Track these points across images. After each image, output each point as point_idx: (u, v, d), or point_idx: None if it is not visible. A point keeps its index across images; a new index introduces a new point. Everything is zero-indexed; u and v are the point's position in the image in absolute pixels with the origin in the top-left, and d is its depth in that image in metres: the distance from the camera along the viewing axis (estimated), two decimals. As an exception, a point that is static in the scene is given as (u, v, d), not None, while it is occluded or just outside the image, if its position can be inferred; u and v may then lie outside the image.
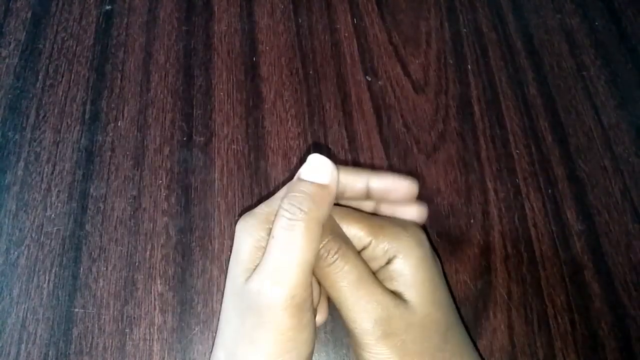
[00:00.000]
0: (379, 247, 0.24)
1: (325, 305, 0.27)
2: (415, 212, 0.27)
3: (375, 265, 0.24)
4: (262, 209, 0.24)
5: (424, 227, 0.27)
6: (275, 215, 0.22)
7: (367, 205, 0.27)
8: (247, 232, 0.23)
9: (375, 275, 0.24)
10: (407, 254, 0.23)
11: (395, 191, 0.26)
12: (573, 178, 0.35)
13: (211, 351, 0.24)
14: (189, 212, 0.33)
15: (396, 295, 0.23)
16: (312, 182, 0.22)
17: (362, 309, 0.22)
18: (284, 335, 0.21)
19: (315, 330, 0.23)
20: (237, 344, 0.22)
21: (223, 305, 0.24)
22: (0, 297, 0.31)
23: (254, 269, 0.22)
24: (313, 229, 0.21)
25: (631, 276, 0.32)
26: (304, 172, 0.23)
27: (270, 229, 0.22)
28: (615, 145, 0.36)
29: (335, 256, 0.23)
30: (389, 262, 0.24)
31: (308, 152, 0.35)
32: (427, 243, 0.25)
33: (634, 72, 0.38)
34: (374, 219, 0.25)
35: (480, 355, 0.26)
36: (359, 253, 0.24)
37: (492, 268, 0.32)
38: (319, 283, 0.25)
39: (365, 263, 0.24)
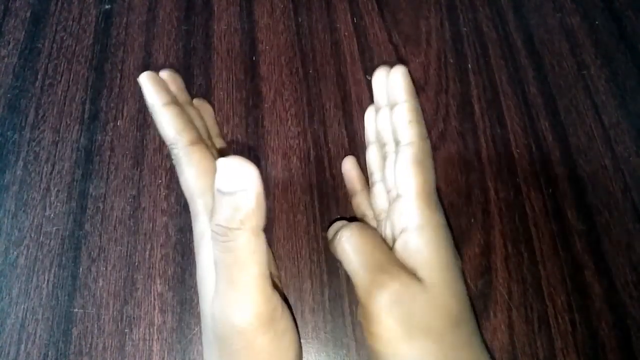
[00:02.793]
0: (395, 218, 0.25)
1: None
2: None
3: (394, 234, 0.25)
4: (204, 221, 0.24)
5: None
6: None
7: None
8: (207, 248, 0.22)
9: (392, 252, 0.24)
10: (423, 229, 0.24)
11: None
12: (573, 177, 0.34)
13: None
14: (188, 211, 0.33)
15: (411, 272, 0.23)
16: (233, 194, 0.19)
17: (376, 283, 0.22)
18: (264, 352, 0.20)
19: (293, 322, 0.22)
20: None
21: (202, 333, 0.23)
22: (0, 297, 0.30)
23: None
24: (252, 242, 0.19)
25: (632, 276, 0.31)
26: (220, 183, 0.19)
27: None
28: (616, 144, 0.35)
29: (351, 236, 0.24)
30: (403, 232, 0.24)
31: (308, 152, 0.35)
32: (443, 226, 0.25)
33: (635, 71, 0.38)
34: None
35: (490, 352, 0.26)
36: (376, 230, 0.25)
37: (493, 268, 0.32)
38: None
39: (382, 240, 0.25)
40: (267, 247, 0.20)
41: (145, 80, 0.26)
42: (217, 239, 0.19)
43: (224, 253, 0.19)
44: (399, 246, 0.24)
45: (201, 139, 0.26)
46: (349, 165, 0.33)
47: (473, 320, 0.25)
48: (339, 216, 0.33)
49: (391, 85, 0.27)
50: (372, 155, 0.32)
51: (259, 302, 0.20)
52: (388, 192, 0.29)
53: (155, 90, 0.26)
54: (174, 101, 0.26)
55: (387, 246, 0.25)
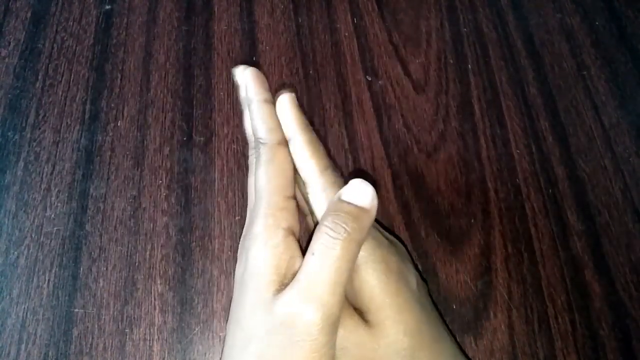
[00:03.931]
0: None
1: None
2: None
3: None
4: (266, 221, 0.23)
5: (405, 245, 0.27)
6: (315, 231, 0.21)
7: None
8: (263, 244, 0.22)
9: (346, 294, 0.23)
10: (371, 269, 0.22)
11: None
12: (573, 178, 0.35)
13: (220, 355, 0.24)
14: (189, 212, 0.33)
15: (361, 313, 0.22)
16: (355, 204, 0.22)
17: None
18: (318, 353, 0.20)
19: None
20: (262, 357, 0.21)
21: (236, 317, 0.23)
22: (0, 297, 0.31)
23: (281, 282, 0.21)
24: (353, 250, 0.21)
25: (632, 276, 0.32)
26: (346, 193, 0.22)
27: (283, 240, 0.22)
28: (616, 144, 0.36)
29: None
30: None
31: (308, 152, 0.35)
32: (395, 260, 0.23)
33: (635, 72, 0.38)
34: None
35: None
36: None
37: (493, 268, 0.32)
38: None
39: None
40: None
41: (250, 75, 0.26)
42: (328, 232, 0.21)
43: (327, 248, 0.20)
44: (347, 287, 0.23)
45: (286, 141, 0.26)
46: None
47: (436, 344, 0.23)
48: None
49: (280, 117, 0.26)
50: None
51: (334, 305, 0.20)
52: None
53: (258, 85, 0.26)
54: (270, 100, 0.26)
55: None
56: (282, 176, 0.24)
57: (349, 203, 0.22)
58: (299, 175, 0.25)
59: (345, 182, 0.23)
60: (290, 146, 0.25)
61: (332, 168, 0.25)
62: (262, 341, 0.21)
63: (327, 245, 0.20)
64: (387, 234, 0.26)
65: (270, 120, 0.26)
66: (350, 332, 0.21)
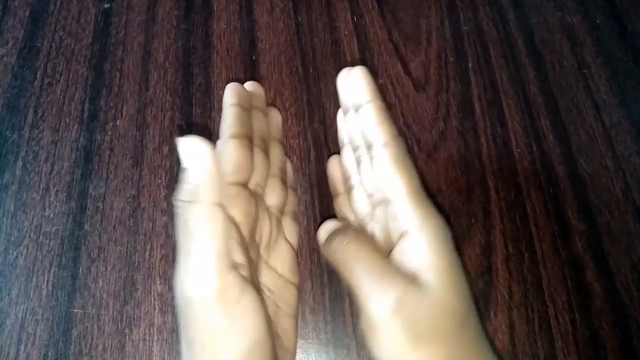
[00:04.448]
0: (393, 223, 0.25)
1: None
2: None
3: (392, 241, 0.25)
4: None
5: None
6: None
7: None
8: None
9: (391, 259, 0.24)
10: (423, 230, 0.23)
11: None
12: (574, 177, 0.34)
13: None
14: (188, 211, 0.33)
15: (412, 276, 0.23)
16: (188, 169, 0.21)
17: (377, 291, 0.22)
18: (211, 327, 0.20)
19: (259, 313, 0.22)
20: (182, 348, 0.22)
21: None
22: (-1, 298, 0.30)
23: None
24: (206, 214, 0.20)
25: (632, 276, 0.31)
26: (182, 160, 0.21)
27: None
28: (617, 143, 0.35)
29: (349, 244, 0.24)
30: (401, 236, 0.24)
31: (308, 151, 0.35)
32: (443, 226, 0.24)
33: (636, 70, 0.38)
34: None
35: (496, 351, 0.26)
36: (369, 235, 0.25)
37: (493, 268, 0.32)
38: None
39: (378, 249, 0.25)
40: (228, 226, 0.21)
41: (230, 88, 0.28)
42: (176, 212, 0.21)
43: (182, 225, 0.21)
44: (397, 251, 0.24)
45: (245, 136, 0.26)
46: (333, 165, 0.33)
47: (477, 320, 0.24)
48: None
49: (353, 87, 0.27)
50: (347, 158, 0.31)
51: (209, 275, 0.20)
52: (369, 196, 0.28)
53: (233, 93, 0.27)
54: (242, 105, 0.27)
55: (382, 252, 0.25)
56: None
57: (187, 170, 0.21)
58: None
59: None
60: (360, 113, 0.27)
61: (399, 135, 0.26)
62: (181, 323, 0.22)
63: (181, 223, 0.21)
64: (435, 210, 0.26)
65: (231, 119, 0.27)
66: (408, 292, 0.22)
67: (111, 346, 0.29)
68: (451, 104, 0.37)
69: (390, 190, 0.24)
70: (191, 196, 0.20)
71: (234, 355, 0.20)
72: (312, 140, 0.35)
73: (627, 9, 0.41)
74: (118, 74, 0.37)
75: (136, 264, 0.31)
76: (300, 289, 0.29)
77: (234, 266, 0.21)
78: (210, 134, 0.35)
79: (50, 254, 0.32)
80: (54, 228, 0.32)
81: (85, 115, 0.36)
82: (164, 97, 0.37)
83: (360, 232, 0.26)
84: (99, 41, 0.39)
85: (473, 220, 0.33)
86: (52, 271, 0.31)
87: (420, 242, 0.23)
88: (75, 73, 0.37)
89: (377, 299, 0.22)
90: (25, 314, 0.30)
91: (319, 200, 0.33)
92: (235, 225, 0.24)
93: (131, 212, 0.33)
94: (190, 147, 0.20)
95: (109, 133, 0.35)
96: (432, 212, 0.24)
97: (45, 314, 0.30)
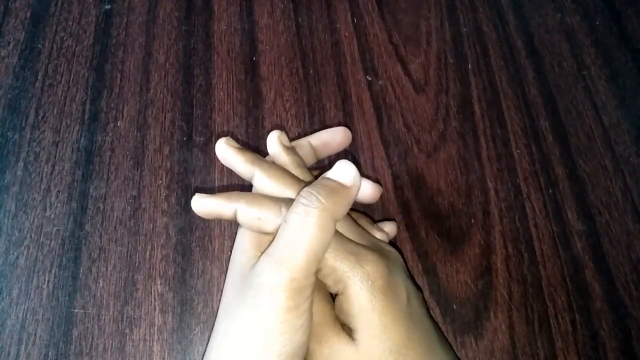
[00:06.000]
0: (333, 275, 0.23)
1: None
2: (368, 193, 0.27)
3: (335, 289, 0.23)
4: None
5: (398, 248, 0.27)
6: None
7: None
8: None
9: (334, 307, 0.23)
10: (346, 288, 0.22)
11: (333, 141, 0.30)
12: (574, 178, 0.35)
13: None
14: (189, 212, 0.33)
15: (347, 331, 0.22)
16: (334, 180, 0.23)
17: (309, 348, 0.22)
18: (280, 315, 0.20)
19: (311, 325, 0.22)
20: (234, 320, 0.21)
21: (224, 293, 0.23)
22: (0, 298, 0.30)
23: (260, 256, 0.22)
24: (326, 220, 0.21)
25: (632, 276, 0.31)
26: (329, 172, 0.23)
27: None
28: (616, 144, 0.36)
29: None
30: (341, 291, 0.23)
31: (308, 152, 0.35)
32: (383, 277, 0.22)
33: (635, 71, 0.38)
34: (351, 245, 0.24)
35: None
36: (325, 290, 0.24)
37: (493, 268, 0.32)
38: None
39: (328, 297, 0.24)
40: (330, 239, 0.22)
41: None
42: (301, 201, 0.21)
43: (298, 216, 0.21)
44: (336, 307, 0.23)
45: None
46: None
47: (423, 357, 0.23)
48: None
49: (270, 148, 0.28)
50: None
51: (300, 270, 0.20)
52: None
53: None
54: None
55: (330, 305, 0.24)
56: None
57: (329, 179, 0.23)
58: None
59: None
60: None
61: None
62: (235, 304, 0.22)
63: (299, 213, 0.21)
64: (381, 243, 0.26)
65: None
66: (337, 351, 0.22)
67: (111, 346, 0.29)
68: (451, 105, 0.37)
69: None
70: (323, 197, 0.21)
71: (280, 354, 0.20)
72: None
73: (627, 10, 0.41)
74: (119, 75, 0.38)
75: (137, 264, 0.32)
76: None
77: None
78: (211, 135, 0.35)
79: (51, 254, 0.32)
80: (54, 228, 0.32)
81: (86, 116, 0.36)
82: (165, 98, 0.37)
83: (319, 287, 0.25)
84: (100, 42, 0.39)
85: (472, 220, 0.33)
86: (53, 271, 0.31)
87: (345, 299, 0.22)
88: (76, 74, 0.38)
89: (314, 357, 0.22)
90: (26, 314, 0.30)
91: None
92: None
93: (132, 213, 0.33)
94: (345, 168, 0.23)
95: (110, 134, 0.35)
96: (353, 264, 0.22)
97: (46, 314, 0.30)
